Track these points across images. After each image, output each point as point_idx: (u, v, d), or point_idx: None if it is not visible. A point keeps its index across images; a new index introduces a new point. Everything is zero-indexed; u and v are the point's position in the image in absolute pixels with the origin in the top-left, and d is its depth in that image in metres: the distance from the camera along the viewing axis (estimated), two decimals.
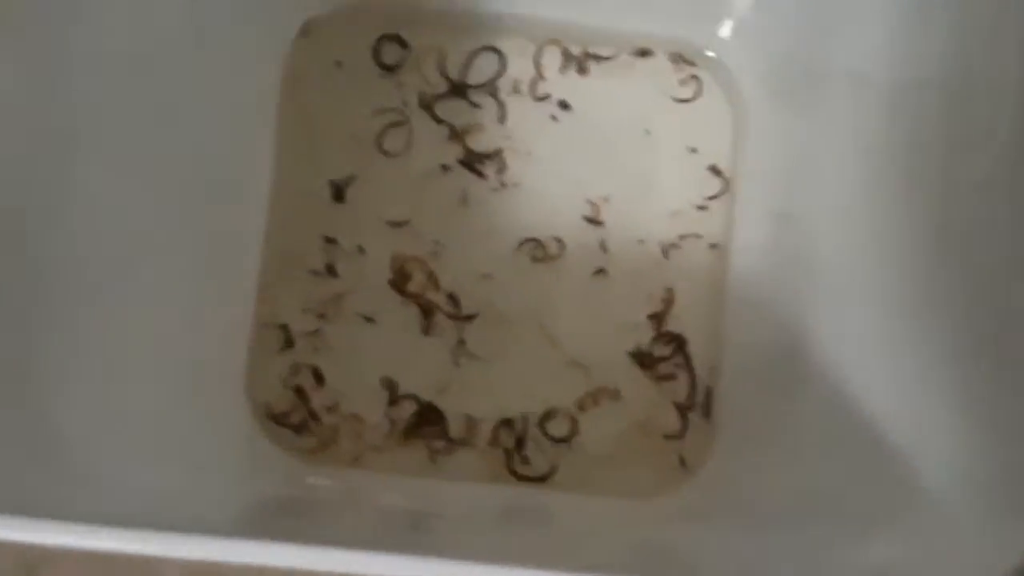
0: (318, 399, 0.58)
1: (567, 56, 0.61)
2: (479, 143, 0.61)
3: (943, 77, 0.49)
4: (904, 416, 0.48)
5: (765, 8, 0.59)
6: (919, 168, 0.51)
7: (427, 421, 0.59)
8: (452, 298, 0.59)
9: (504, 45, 0.61)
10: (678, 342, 0.59)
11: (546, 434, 0.59)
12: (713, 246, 0.60)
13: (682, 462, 0.58)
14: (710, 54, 0.61)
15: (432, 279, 0.59)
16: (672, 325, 0.60)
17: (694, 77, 0.61)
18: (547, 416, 0.59)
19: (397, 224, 0.60)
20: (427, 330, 0.59)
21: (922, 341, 0.48)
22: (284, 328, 0.59)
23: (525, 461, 0.58)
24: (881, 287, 0.52)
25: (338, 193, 0.60)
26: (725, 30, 0.60)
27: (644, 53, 0.62)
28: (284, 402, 0.58)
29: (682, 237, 0.60)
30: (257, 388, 0.58)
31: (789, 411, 0.55)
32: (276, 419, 0.58)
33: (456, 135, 0.60)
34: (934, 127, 0.50)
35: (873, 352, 0.51)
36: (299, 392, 0.58)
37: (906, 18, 0.52)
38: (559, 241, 0.60)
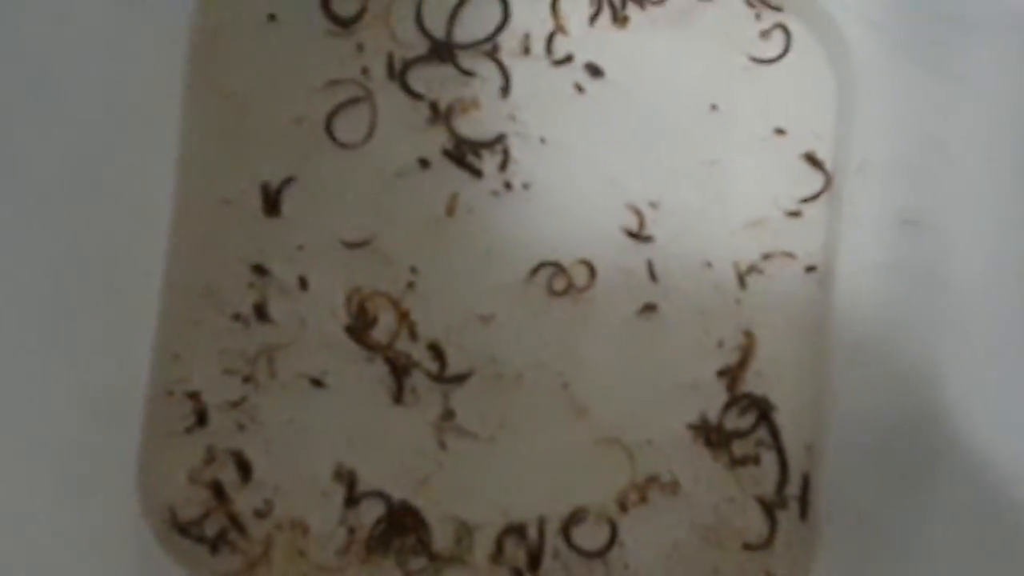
0: (243, 499, 0.54)
1: (599, 0, 0.56)
2: (473, 127, 0.56)
3: None
4: None
5: None
6: None
7: (400, 529, 0.54)
8: (435, 350, 0.55)
9: None
10: (761, 409, 0.55)
11: (572, 545, 0.53)
12: (810, 269, 0.55)
13: None
14: None
15: (406, 323, 0.54)
16: (752, 385, 0.55)
17: (780, 26, 0.56)
18: (574, 519, 0.54)
19: (355, 245, 0.55)
20: (400, 397, 0.54)
21: None
22: (195, 397, 0.54)
23: None
24: None
25: (271, 202, 0.55)
26: None
27: None
28: (194, 505, 0.53)
29: (766, 256, 0.55)
30: (156, 485, 0.53)
31: (918, 505, 0.51)
32: (183, 529, 0.53)
33: (439, 115, 0.56)
34: None
35: None
36: (216, 490, 0.53)
37: None
38: (588, 266, 0.55)
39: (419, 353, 0.54)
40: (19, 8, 0.51)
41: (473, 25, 0.56)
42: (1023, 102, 0.52)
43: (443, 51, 0.56)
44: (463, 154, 0.55)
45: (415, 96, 0.56)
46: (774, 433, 0.54)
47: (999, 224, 0.51)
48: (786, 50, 0.56)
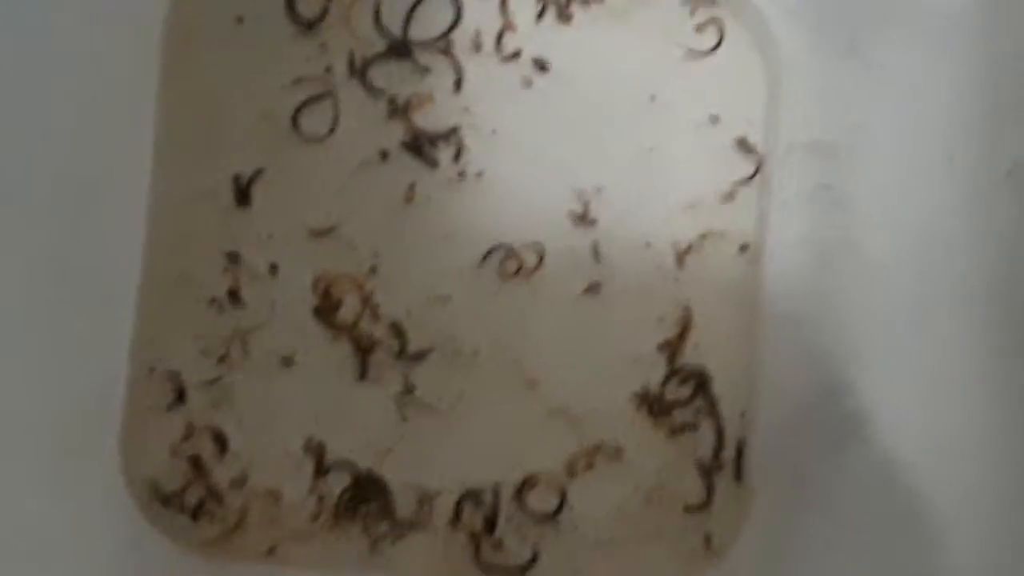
0: (220, 472, 0.57)
1: (547, 0, 0.59)
2: (429, 120, 0.58)
3: None
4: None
5: None
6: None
7: (366, 497, 0.57)
8: (396, 330, 0.57)
9: None
10: (699, 380, 0.57)
11: (525, 509, 0.57)
12: (743, 248, 0.58)
13: (707, 541, 0.57)
14: None
15: (369, 305, 0.57)
16: (690, 357, 0.58)
17: (714, 21, 0.59)
18: (526, 485, 0.57)
19: (321, 232, 0.58)
20: (364, 374, 0.57)
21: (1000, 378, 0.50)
22: (174, 377, 0.57)
23: (498, 547, 0.57)
24: (957, 299, 0.52)
25: (242, 193, 0.58)
26: None
27: None
28: (175, 477, 0.57)
29: (703, 237, 0.58)
30: (138, 459, 0.56)
31: (838, 467, 0.54)
32: (164, 500, 0.56)
33: (398, 110, 0.58)
34: None
35: (934, 392, 0.52)
36: (195, 463, 0.57)
37: None
38: (537, 249, 0.58)
39: (381, 332, 0.57)
40: None
41: (428, 24, 0.58)
42: (933, 89, 0.54)
43: (400, 49, 0.58)
44: (420, 146, 0.58)
45: (375, 92, 0.58)
46: (711, 402, 0.57)
47: (913, 203, 0.54)
48: (719, 43, 0.58)
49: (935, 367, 0.52)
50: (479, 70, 0.58)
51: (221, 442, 0.56)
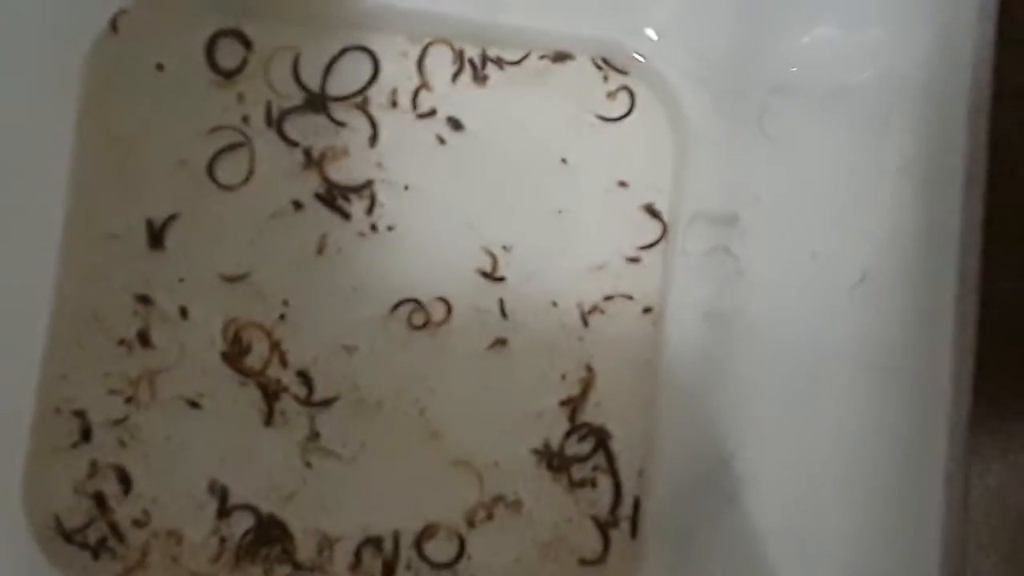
0: (123, 510, 0.57)
1: (460, 60, 0.60)
2: (343, 173, 0.59)
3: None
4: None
5: (701, 4, 0.58)
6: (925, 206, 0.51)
7: (268, 539, 0.57)
8: (303, 377, 0.58)
9: (378, 45, 0.59)
10: (599, 437, 0.58)
11: (424, 558, 0.57)
12: (646, 310, 0.59)
13: None
14: (640, 58, 0.59)
15: (278, 351, 0.58)
16: (591, 415, 0.58)
17: (625, 89, 0.60)
18: (426, 534, 0.57)
19: (233, 279, 0.58)
20: (270, 419, 0.57)
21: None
22: (80, 415, 0.57)
23: None
24: (838, 371, 0.53)
25: (155, 237, 0.58)
26: (655, 27, 0.59)
27: (561, 57, 0.60)
28: (78, 514, 0.56)
29: (608, 298, 0.59)
30: (41, 496, 0.56)
31: (727, 527, 0.55)
32: (67, 537, 0.56)
33: (313, 161, 0.59)
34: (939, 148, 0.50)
35: (811, 460, 0.53)
36: (98, 500, 0.57)
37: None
38: (446, 303, 0.58)
39: (288, 379, 0.57)
40: None
41: (345, 79, 0.59)
42: (827, 159, 0.55)
43: (317, 102, 0.58)
44: (333, 198, 0.58)
45: (290, 143, 0.58)
46: (610, 459, 0.58)
47: (802, 275, 0.55)
48: (630, 110, 0.59)
49: (815, 438, 0.53)
50: (394, 126, 0.59)
51: (125, 481, 0.56)
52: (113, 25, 0.58)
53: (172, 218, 0.58)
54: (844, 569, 0.49)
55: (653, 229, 0.59)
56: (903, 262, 0.49)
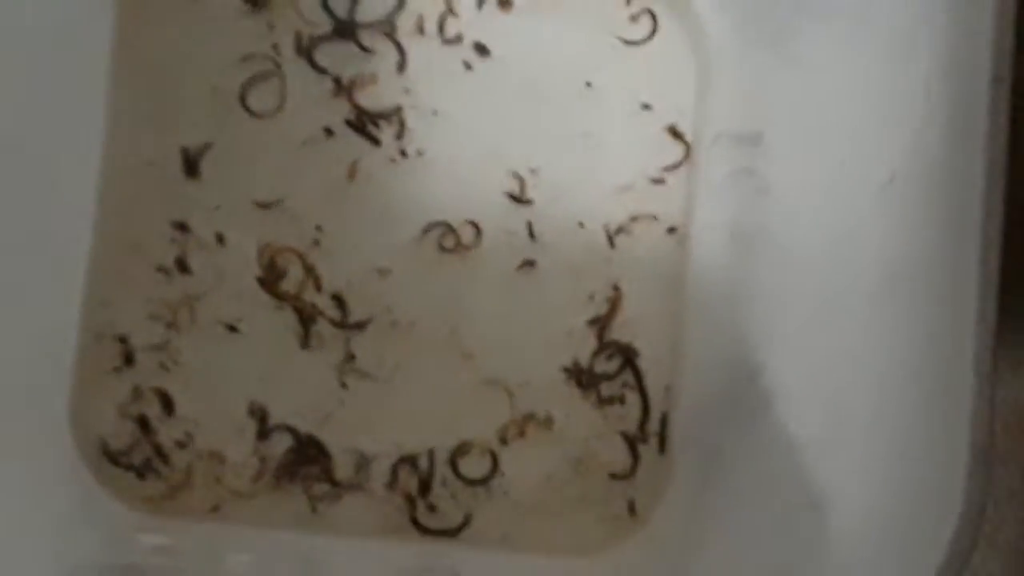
0: (166, 432, 0.58)
1: None
2: (372, 99, 0.60)
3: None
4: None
5: None
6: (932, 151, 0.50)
7: (306, 459, 0.58)
8: (338, 300, 0.59)
9: None
10: (626, 355, 0.59)
11: (459, 474, 0.58)
12: (671, 230, 0.60)
13: (631, 508, 0.58)
14: None
15: (312, 276, 0.59)
16: (618, 333, 0.59)
17: (648, 12, 0.60)
18: (460, 451, 0.58)
19: (267, 205, 0.59)
20: (306, 342, 0.58)
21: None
22: (122, 341, 0.58)
23: (432, 509, 0.58)
24: (863, 288, 0.52)
25: (191, 165, 0.59)
26: None
27: None
28: (123, 437, 0.58)
29: (633, 219, 0.60)
30: (87, 419, 0.57)
31: (753, 442, 0.55)
32: (112, 458, 0.57)
33: (342, 89, 0.59)
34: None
35: (840, 375, 0.52)
36: (142, 423, 0.58)
37: None
38: (475, 226, 0.59)
39: (323, 302, 0.58)
40: None
41: (373, 7, 0.59)
42: (851, 79, 0.54)
43: (346, 30, 0.59)
44: (363, 124, 0.59)
45: (320, 71, 0.59)
46: (637, 376, 0.58)
47: (827, 194, 0.54)
48: (652, 33, 0.59)
49: (841, 351, 0.53)
50: (421, 53, 0.59)
51: (168, 404, 0.57)
52: None
53: (206, 146, 0.59)
54: (871, 480, 0.50)
55: (677, 150, 0.60)
56: (929, 168, 0.48)
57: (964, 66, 0.49)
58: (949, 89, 0.50)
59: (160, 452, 0.57)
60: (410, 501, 0.58)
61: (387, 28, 0.60)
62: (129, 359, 0.58)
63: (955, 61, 0.49)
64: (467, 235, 0.59)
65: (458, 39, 0.60)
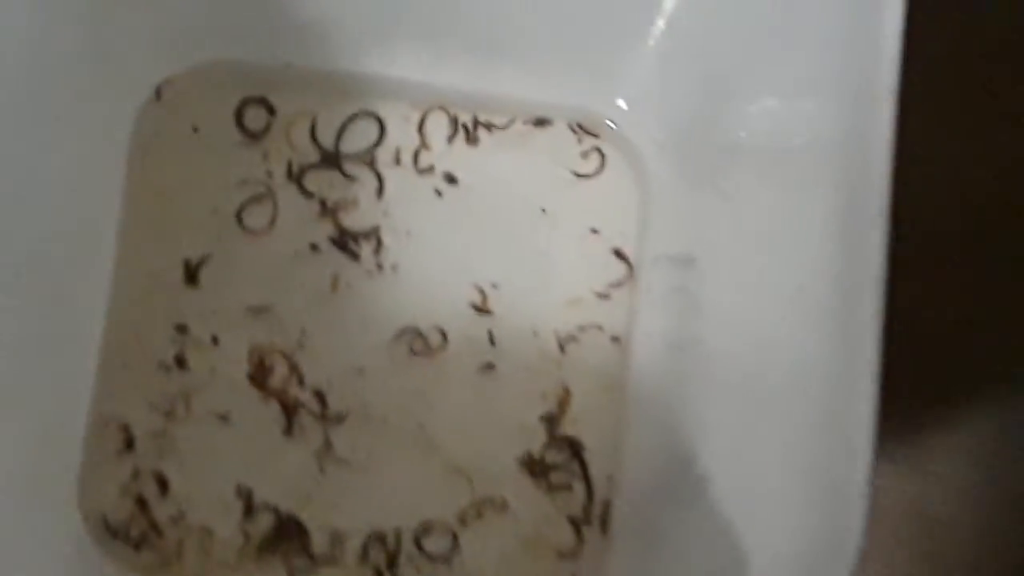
0: (161, 509, 0.60)
1: (455, 124, 0.64)
2: (353, 220, 0.63)
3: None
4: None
5: (665, 75, 0.63)
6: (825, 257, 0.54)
7: (286, 535, 0.60)
8: (319, 395, 0.61)
9: (384, 111, 0.64)
10: (574, 448, 0.62)
11: (423, 551, 0.60)
12: (615, 339, 0.63)
13: None
14: (611, 125, 0.64)
15: (296, 373, 0.61)
16: (567, 428, 0.62)
17: (597, 150, 0.64)
18: (424, 530, 0.61)
19: (257, 311, 0.62)
20: (289, 431, 0.61)
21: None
22: (125, 427, 0.61)
23: None
24: (780, 390, 0.56)
25: (191, 275, 0.62)
26: (625, 99, 0.64)
27: (542, 122, 0.65)
28: (122, 513, 0.60)
29: (581, 329, 0.63)
30: (92, 497, 0.60)
31: (684, 523, 0.58)
32: (113, 531, 0.59)
33: (327, 210, 0.63)
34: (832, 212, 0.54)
35: (759, 465, 0.56)
36: (140, 502, 0.60)
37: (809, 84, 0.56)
38: (442, 332, 0.62)
39: (306, 397, 0.61)
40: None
41: (356, 140, 0.63)
42: (768, 211, 0.58)
43: (331, 160, 0.63)
44: (345, 242, 0.62)
45: (308, 195, 0.62)
46: (583, 467, 0.61)
47: (748, 308, 0.58)
48: (601, 168, 0.63)
49: (759, 439, 0.57)
50: (398, 181, 0.63)
51: (163, 485, 0.60)
52: (158, 93, 0.63)
53: (205, 258, 0.62)
54: (779, 550, 0.54)
55: (621, 269, 0.63)
56: (828, 280, 0.53)
57: (856, 201, 0.54)
58: (842, 219, 0.55)
59: (155, 527, 0.59)
60: (379, 574, 0.60)
61: (368, 158, 0.63)
62: (130, 444, 0.60)
63: (849, 197, 0.55)
64: (435, 340, 0.62)
65: (430, 169, 0.63)
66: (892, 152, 0.51)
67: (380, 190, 0.63)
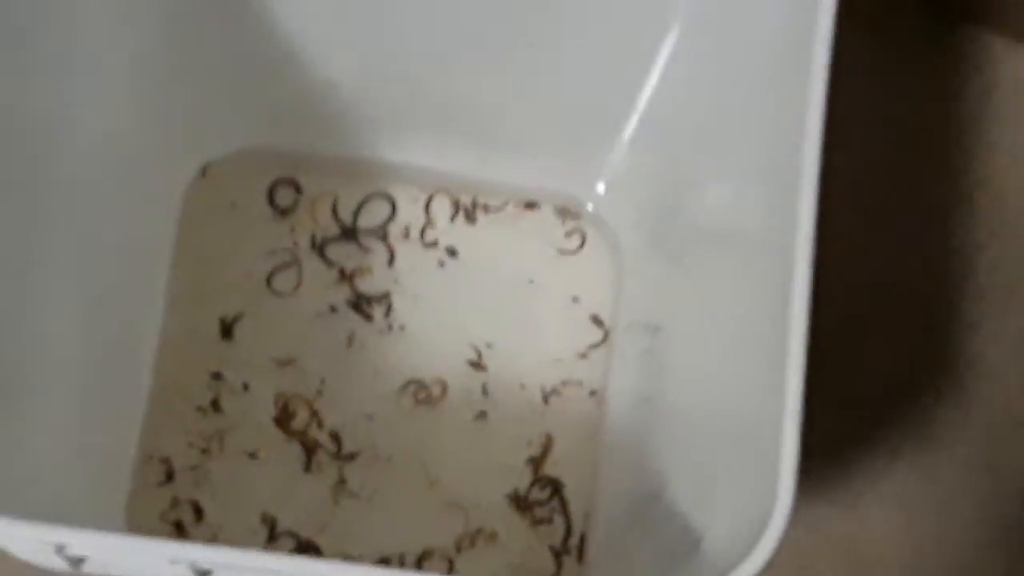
0: (196, 533, 0.65)
1: (456, 205, 0.70)
2: (368, 286, 0.69)
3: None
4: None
5: (637, 164, 0.68)
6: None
7: None
8: (335, 437, 0.66)
9: (396, 192, 0.70)
10: (555, 486, 0.67)
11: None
12: (592, 393, 0.68)
13: None
14: (591, 208, 0.70)
15: (316, 417, 0.67)
16: (550, 470, 0.67)
17: (578, 230, 0.70)
18: (424, 556, 0.65)
19: (283, 363, 0.67)
20: (309, 468, 0.66)
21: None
22: (166, 461, 0.66)
23: None
24: (733, 437, 0.59)
25: (227, 330, 0.68)
26: (602, 186, 0.70)
27: (531, 205, 0.71)
28: (162, 535, 0.64)
29: (564, 383, 0.68)
30: (137, 522, 0.64)
31: (650, 547, 0.61)
32: None
33: (345, 277, 0.69)
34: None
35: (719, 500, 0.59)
36: (178, 526, 0.65)
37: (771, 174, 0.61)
38: (442, 384, 0.68)
39: (323, 438, 0.66)
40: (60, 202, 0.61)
41: (371, 217, 0.69)
42: (722, 285, 0.62)
43: (350, 234, 0.68)
44: (360, 304, 0.67)
45: (329, 263, 0.68)
46: (563, 503, 0.66)
47: (705, 365, 0.62)
48: (582, 245, 0.69)
49: (712, 477, 0.59)
50: (407, 252, 0.69)
51: (199, 512, 0.65)
52: (203, 172, 0.69)
53: (239, 316, 0.68)
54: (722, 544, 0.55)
55: (598, 333, 0.69)
56: (764, 348, 0.55)
57: (786, 275, 0.56)
58: (775, 290, 0.57)
59: None
60: None
61: (381, 233, 0.69)
62: (171, 476, 0.65)
63: (782, 271, 0.56)
64: (436, 391, 0.67)
65: (435, 243, 0.69)
66: (813, 235, 0.55)
67: (391, 260, 0.69)
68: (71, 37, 0.61)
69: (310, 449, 0.66)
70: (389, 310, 0.69)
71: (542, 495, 0.67)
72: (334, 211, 0.70)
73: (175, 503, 0.66)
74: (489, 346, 0.69)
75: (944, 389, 0.72)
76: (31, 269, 0.60)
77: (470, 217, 0.70)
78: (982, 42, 0.73)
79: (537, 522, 0.67)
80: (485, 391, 0.68)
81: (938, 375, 0.72)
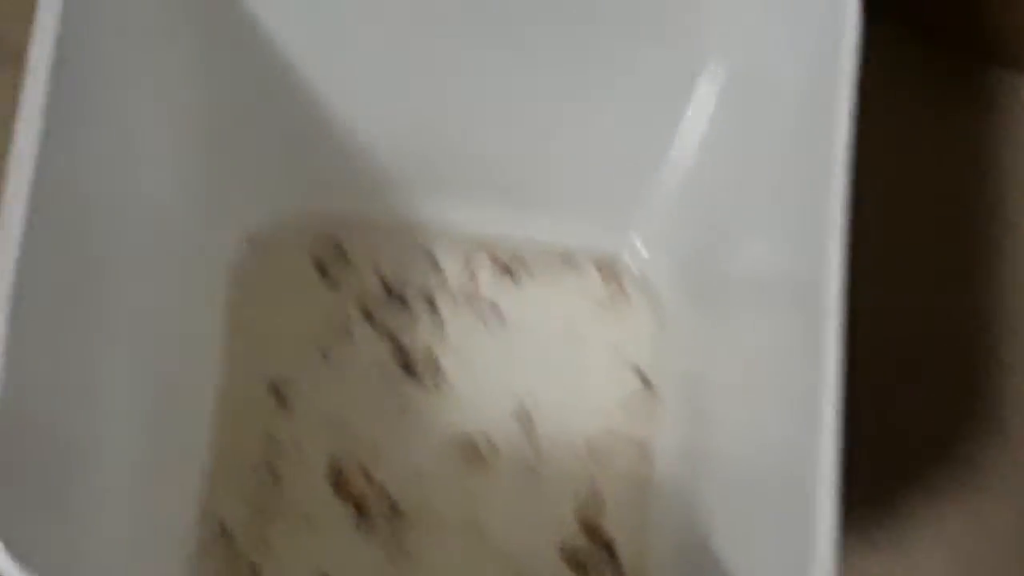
0: None
1: (499, 264, 0.71)
2: (415, 346, 0.70)
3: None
4: None
5: (675, 221, 0.69)
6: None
7: None
8: (387, 497, 0.67)
9: (437, 251, 0.71)
10: (606, 540, 0.67)
11: None
12: (638, 444, 0.69)
13: None
14: (629, 261, 0.71)
15: (368, 478, 0.68)
16: (600, 522, 0.68)
17: (618, 285, 0.71)
18: None
19: (336, 425, 0.68)
20: (362, 527, 0.67)
21: None
22: (223, 522, 0.66)
23: None
24: (777, 486, 0.61)
25: (280, 397, 0.69)
26: (639, 240, 0.72)
27: (570, 262, 0.72)
28: None
29: (608, 434, 0.69)
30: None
31: None
32: None
33: (393, 339, 0.70)
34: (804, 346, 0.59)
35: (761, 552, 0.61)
36: None
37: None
38: (490, 440, 0.69)
39: (376, 498, 0.67)
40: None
41: (417, 282, 0.71)
42: (758, 335, 0.62)
43: (395, 295, 0.70)
44: (408, 365, 0.69)
45: (376, 325, 0.69)
46: (614, 557, 0.67)
47: (750, 417, 0.62)
48: (622, 299, 0.70)
49: (759, 525, 0.61)
50: (452, 312, 0.70)
51: (255, 573, 0.66)
52: (251, 241, 0.70)
53: (292, 381, 0.69)
54: None
55: (641, 386, 0.70)
56: (798, 394, 0.57)
57: (815, 327, 0.58)
58: (807, 340, 0.59)
59: None
60: None
61: (425, 293, 0.70)
62: (228, 536, 0.66)
63: (808, 322, 0.59)
64: (484, 447, 0.68)
65: (478, 301, 0.70)
66: (842, 290, 0.57)
67: (436, 320, 0.70)
68: (123, 121, 0.63)
69: (363, 509, 0.67)
70: (436, 369, 0.70)
71: (593, 548, 0.68)
72: (378, 273, 0.71)
73: (232, 562, 0.67)
74: (536, 401, 0.70)
75: (983, 431, 0.71)
76: (91, 344, 0.60)
77: (511, 274, 0.71)
78: (1012, 84, 0.74)
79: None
80: (532, 446, 0.69)
81: (979, 417, 0.72)
